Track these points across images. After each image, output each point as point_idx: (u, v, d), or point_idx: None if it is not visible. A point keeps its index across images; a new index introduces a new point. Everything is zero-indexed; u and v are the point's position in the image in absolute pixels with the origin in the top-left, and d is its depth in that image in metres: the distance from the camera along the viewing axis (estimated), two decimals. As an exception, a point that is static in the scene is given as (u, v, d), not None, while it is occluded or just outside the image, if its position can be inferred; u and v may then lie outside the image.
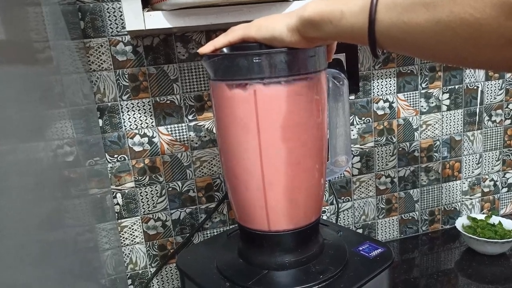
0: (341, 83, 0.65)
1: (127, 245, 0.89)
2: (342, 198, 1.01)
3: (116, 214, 0.87)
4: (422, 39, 0.34)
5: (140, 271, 0.91)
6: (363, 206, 1.03)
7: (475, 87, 1.03)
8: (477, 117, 1.05)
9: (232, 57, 0.50)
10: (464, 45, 0.31)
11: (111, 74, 0.80)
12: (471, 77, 1.02)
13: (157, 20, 0.62)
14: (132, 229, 0.88)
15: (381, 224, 1.05)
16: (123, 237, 0.88)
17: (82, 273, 0.61)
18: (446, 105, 1.02)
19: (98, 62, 0.79)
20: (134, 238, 0.89)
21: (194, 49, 0.83)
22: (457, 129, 1.05)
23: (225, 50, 0.53)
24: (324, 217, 1.01)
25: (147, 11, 0.63)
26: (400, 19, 0.35)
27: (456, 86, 1.02)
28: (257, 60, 0.49)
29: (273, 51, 0.49)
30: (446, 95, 1.02)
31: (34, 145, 0.47)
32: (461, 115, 1.04)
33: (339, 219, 1.02)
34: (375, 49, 0.39)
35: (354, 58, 0.92)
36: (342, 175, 1.00)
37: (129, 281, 0.91)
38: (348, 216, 1.02)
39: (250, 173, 0.54)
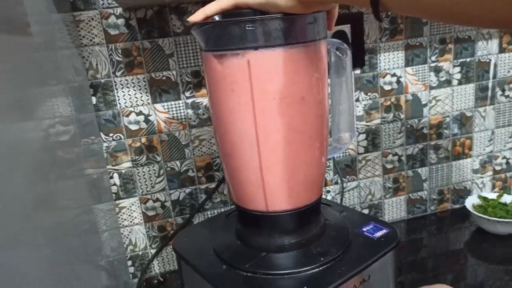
0: (344, 54, 0.61)
1: (126, 226, 0.87)
2: (347, 177, 0.98)
3: (114, 195, 0.85)
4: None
5: (140, 253, 0.89)
6: (369, 185, 0.99)
7: (488, 60, 0.98)
8: (490, 91, 1.00)
9: (223, 24, 0.47)
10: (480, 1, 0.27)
11: (104, 49, 0.77)
12: (483, 50, 0.97)
13: (147, -12, 0.58)
14: (131, 210, 0.86)
15: (388, 204, 1.02)
16: (122, 218, 0.86)
17: (80, 254, 0.59)
18: (457, 79, 0.97)
19: (89, 36, 0.76)
20: (133, 219, 0.87)
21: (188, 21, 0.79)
22: (468, 105, 1.00)
23: (216, 18, 0.49)
24: (329, 197, 0.98)
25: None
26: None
27: (468, 59, 0.97)
28: (250, 28, 0.45)
29: (268, 17, 0.45)
30: (457, 69, 0.97)
31: (24, 124, 0.45)
32: (473, 89, 0.99)
33: (344, 199, 0.99)
34: (377, 10, 0.35)
35: (360, 30, 0.87)
36: (347, 153, 0.96)
37: (129, 263, 0.89)
38: (353, 196, 0.99)
39: (245, 151, 0.51)
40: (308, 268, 0.52)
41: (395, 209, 1.03)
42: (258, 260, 0.54)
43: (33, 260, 0.42)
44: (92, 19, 0.75)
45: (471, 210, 0.93)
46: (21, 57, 0.48)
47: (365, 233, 0.60)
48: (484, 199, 0.97)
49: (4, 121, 0.40)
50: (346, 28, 0.86)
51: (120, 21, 0.76)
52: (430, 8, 0.31)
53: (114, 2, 0.75)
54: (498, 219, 0.89)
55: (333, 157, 0.95)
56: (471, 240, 0.93)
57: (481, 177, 1.07)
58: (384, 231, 0.60)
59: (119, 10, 0.76)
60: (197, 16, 0.48)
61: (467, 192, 1.07)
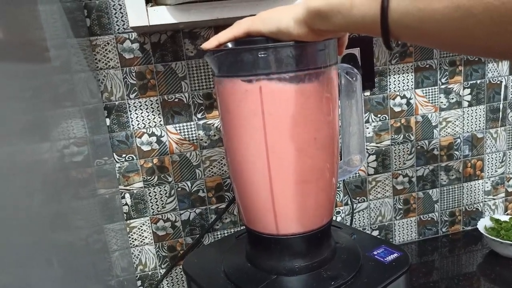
0: (354, 78, 0.61)
1: (136, 246, 0.88)
2: (357, 198, 0.97)
3: (125, 215, 0.86)
4: (439, 28, 0.31)
5: (149, 273, 0.89)
6: (380, 206, 0.99)
7: (498, 82, 0.98)
8: (501, 113, 1.00)
9: (236, 52, 0.48)
10: (488, 33, 0.28)
11: (118, 72, 0.79)
12: (494, 71, 0.97)
13: (161, 15, 0.60)
14: (141, 229, 0.87)
15: (399, 226, 1.01)
16: (132, 238, 0.87)
17: (91, 274, 0.60)
18: (467, 101, 0.97)
19: (105, 60, 0.78)
20: (143, 239, 0.87)
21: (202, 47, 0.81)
22: (479, 126, 1.00)
23: (229, 45, 0.50)
24: (339, 218, 0.98)
25: (151, 6, 0.61)
26: (415, 6, 0.31)
27: (478, 81, 0.97)
28: (262, 55, 0.46)
29: (280, 44, 0.46)
30: (468, 91, 0.97)
31: (40, 145, 0.46)
32: (483, 111, 0.99)
33: (354, 220, 0.98)
34: (388, 40, 0.36)
35: (369, 53, 0.88)
36: (357, 174, 0.96)
37: (139, 283, 0.89)
38: (363, 217, 0.99)
39: (256, 174, 0.52)
40: (318, 292, 0.51)
41: (405, 230, 1.02)
42: (268, 283, 0.54)
43: (45, 279, 0.43)
44: (108, 43, 0.77)
45: (484, 233, 0.92)
46: (39, 80, 0.49)
47: (376, 256, 0.60)
48: (497, 221, 0.96)
49: (21, 142, 0.41)
50: (356, 51, 0.87)
51: (135, 46, 0.78)
52: (441, 39, 0.32)
53: (129, 28, 0.77)
54: (511, 243, 0.87)
55: (343, 179, 0.95)
56: (483, 263, 0.91)
57: (493, 199, 1.06)
58: (395, 255, 0.59)
59: (134, 35, 0.78)
60: (211, 43, 0.50)
61: (479, 214, 1.06)
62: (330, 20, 0.40)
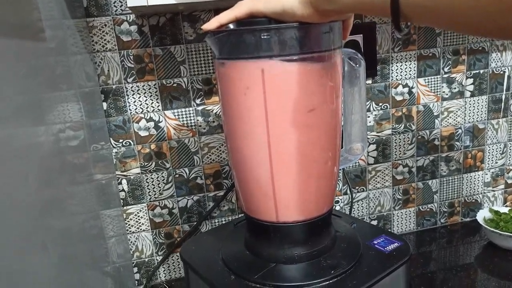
0: (357, 64, 0.60)
1: (133, 232, 0.87)
2: (357, 188, 0.96)
3: (122, 201, 0.84)
4: (453, 6, 0.29)
5: (146, 259, 0.89)
6: (379, 196, 0.98)
7: (502, 72, 0.97)
8: (503, 104, 0.99)
9: (238, 33, 0.46)
10: (504, 12, 0.27)
11: (116, 55, 0.77)
12: (498, 61, 0.96)
13: (161, -4, 0.58)
14: (138, 216, 0.86)
15: (397, 216, 1.01)
16: (129, 224, 0.86)
17: (87, 260, 0.59)
18: (469, 91, 0.96)
19: (102, 42, 0.76)
20: (140, 226, 0.86)
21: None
22: (481, 117, 0.99)
23: (231, 26, 0.48)
24: (337, 208, 0.97)
25: (150, -15, 0.59)
26: (428, -16, 0.30)
27: (481, 71, 0.96)
28: (265, 36, 0.44)
29: (283, 26, 0.44)
30: (470, 80, 0.96)
31: (35, 128, 0.45)
32: (486, 101, 0.98)
33: (353, 209, 0.97)
34: (398, 21, 0.34)
35: (372, 40, 0.87)
36: (357, 163, 0.95)
37: (135, 269, 0.89)
38: (362, 206, 0.98)
39: (257, 161, 0.50)
40: (318, 281, 0.51)
41: (404, 221, 1.02)
42: (267, 271, 0.53)
43: (41, 265, 0.42)
44: (105, 25, 0.75)
45: (483, 224, 0.92)
46: (34, 62, 0.48)
47: (376, 246, 0.59)
48: (496, 213, 0.95)
49: (16, 124, 0.40)
50: (359, 37, 0.85)
51: (133, 28, 0.76)
52: (454, 20, 0.30)
53: (127, 9, 0.75)
54: (510, 234, 0.87)
55: (343, 167, 0.94)
56: (482, 255, 0.91)
57: (493, 190, 1.06)
58: (396, 244, 0.59)
59: (132, 17, 0.76)
60: (211, 24, 0.48)
61: (478, 205, 1.06)
62: (337, 0, 0.38)
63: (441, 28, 0.83)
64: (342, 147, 0.64)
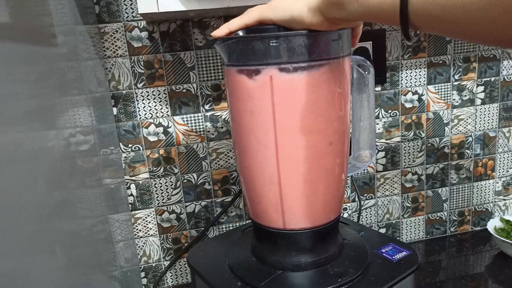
0: (366, 72, 0.60)
1: (141, 237, 0.87)
2: (365, 195, 0.96)
3: (130, 205, 0.85)
4: (463, 16, 0.29)
5: (153, 264, 0.89)
6: (387, 204, 0.98)
7: (513, 80, 0.96)
8: (514, 112, 0.98)
9: (247, 40, 0.47)
10: None
11: (126, 61, 0.78)
12: (509, 69, 0.95)
13: (171, 3, 0.59)
14: (146, 221, 0.86)
15: (406, 224, 1.00)
16: (137, 229, 0.86)
17: (94, 264, 0.59)
18: (480, 98, 0.95)
19: (113, 48, 0.77)
20: (148, 231, 0.87)
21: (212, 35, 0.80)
22: (492, 125, 0.98)
23: (240, 33, 0.49)
24: (345, 215, 0.96)
25: (161, -7, 0.59)
26: (437, -7, 0.30)
27: (492, 79, 0.95)
28: (274, 44, 0.45)
29: (292, 33, 0.45)
30: (481, 88, 0.95)
31: (46, 132, 0.46)
32: (497, 109, 0.97)
33: (361, 217, 0.97)
34: (407, 29, 0.34)
35: (382, 47, 0.87)
36: (366, 171, 0.94)
37: (142, 274, 0.89)
38: (371, 214, 0.97)
39: (265, 167, 0.50)
40: (325, 289, 0.50)
41: (413, 229, 1.01)
42: (273, 278, 0.53)
43: (48, 267, 0.42)
44: (117, 31, 0.76)
45: (493, 234, 0.90)
46: (45, 67, 0.49)
47: (384, 254, 0.58)
48: (507, 222, 0.94)
49: (27, 128, 0.41)
50: (368, 44, 0.85)
51: (144, 34, 0.77)
52: (464, 29, 0.30)
53: (138, 15, 0.76)
54: (521, 244, 0.86)
55: (351, 175, 0.93)
56: (492, 265, 0.90)
57: (504, 199, 1.04)
58: (404, 253, 0.58)
59: (143, 23, 0.77)
60: (221, 31, 0.48)
61: (489, 214, 1.04)
62: (345, 8, 0.38)
63: (450, 37, 0.83)
64: (350, 154, 0.64)
